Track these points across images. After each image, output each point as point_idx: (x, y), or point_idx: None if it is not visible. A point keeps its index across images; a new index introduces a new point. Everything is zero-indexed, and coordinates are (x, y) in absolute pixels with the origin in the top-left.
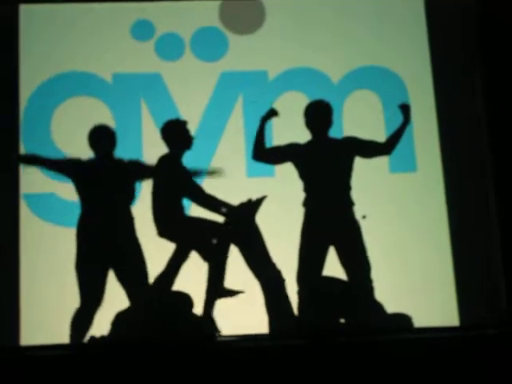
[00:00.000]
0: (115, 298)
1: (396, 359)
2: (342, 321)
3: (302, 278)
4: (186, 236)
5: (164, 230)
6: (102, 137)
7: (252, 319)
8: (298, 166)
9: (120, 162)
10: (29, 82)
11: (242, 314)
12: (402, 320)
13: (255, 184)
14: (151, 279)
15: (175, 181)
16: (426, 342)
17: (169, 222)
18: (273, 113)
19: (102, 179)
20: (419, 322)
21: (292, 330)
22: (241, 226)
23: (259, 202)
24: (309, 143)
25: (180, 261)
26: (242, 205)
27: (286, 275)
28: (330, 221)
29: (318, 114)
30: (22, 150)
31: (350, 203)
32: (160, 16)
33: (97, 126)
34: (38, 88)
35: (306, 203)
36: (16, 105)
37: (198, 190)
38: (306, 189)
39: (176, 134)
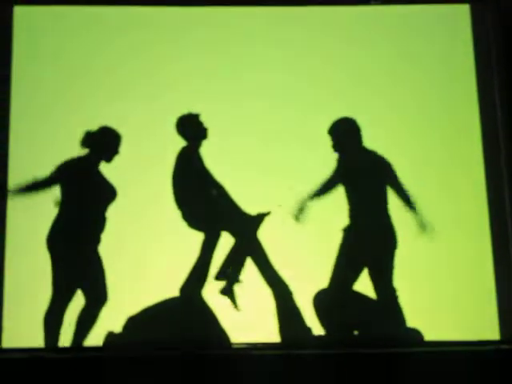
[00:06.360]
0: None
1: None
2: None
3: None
4: (212, 223)
5: (191, 222)
6: (113, 141)
7: (264, 328)
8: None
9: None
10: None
11: (254, 324)
12: (415, 335)
13: None
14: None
15: (194, 172)
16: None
17: (194, 213)
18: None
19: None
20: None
21: (304, 340)
22: (243, 239)
23: (262, 217)
24: (343, 163)
25: (212, 249)
26: (247, 218)
27: (309, 282)
28: (368, 247)
29: (348, 133)
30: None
31: (388, 228)
32: None
33: (111, 129)
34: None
35: (345, 229)
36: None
37: (214, 185)
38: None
39: (190, 127)
